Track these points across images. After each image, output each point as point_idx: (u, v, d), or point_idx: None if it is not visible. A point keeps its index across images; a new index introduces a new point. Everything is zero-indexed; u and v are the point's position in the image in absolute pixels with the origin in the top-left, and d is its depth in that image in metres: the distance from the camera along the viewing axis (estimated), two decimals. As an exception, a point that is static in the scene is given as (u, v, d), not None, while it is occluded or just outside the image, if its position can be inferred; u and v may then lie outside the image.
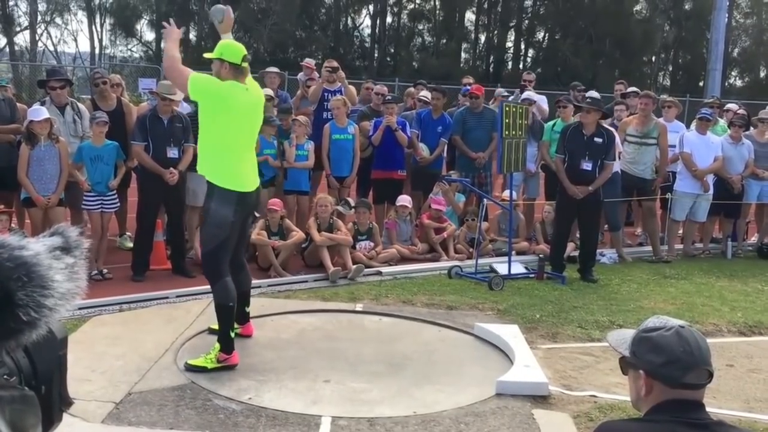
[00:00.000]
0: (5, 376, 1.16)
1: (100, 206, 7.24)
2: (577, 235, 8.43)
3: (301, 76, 11.23)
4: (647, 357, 1.93)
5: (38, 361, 1.24)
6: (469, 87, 10.05)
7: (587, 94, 9.40)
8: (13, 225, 7.32)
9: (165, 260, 7.60)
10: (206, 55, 5.15)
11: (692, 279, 8.16)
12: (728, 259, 9.49)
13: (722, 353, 5.61)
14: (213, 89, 4.87)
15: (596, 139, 7.80)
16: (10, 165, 7.18)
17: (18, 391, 1.16)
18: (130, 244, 7.91)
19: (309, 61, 11.49)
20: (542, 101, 10.35)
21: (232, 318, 5.03)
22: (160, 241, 7.63)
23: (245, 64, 4.98)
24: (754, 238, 10.36)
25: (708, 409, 1.95)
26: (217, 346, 4.91)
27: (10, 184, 7.31)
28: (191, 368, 4.83)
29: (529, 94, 9.81)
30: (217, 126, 4.88)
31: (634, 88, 11.04)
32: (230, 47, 4.99)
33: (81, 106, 7.92)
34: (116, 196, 7.44)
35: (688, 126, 10.09)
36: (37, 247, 1.15)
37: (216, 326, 5.09)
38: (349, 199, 8.59)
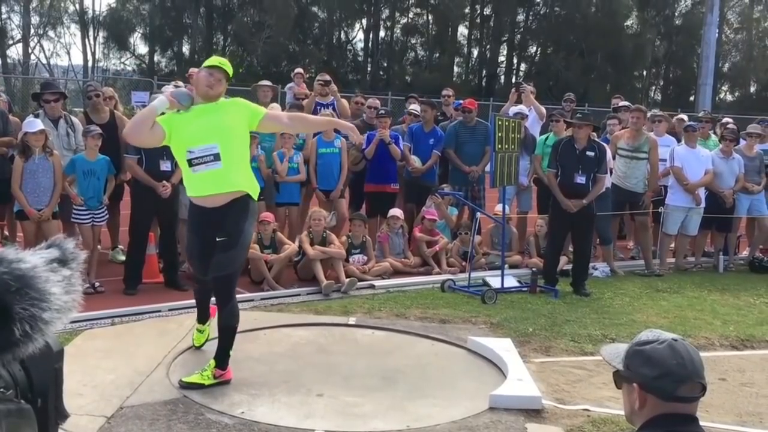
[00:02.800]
0: (2, 390, 1.15)
1: (90, 220, 7.22)
2: (570, 249, 8.45)
3: (291, 86, 11.30)
4: (641, 370, 1.93)
5: (34, 374, 1.23)
6: (461, 101, 10.08)
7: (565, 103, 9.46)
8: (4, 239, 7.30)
9: (157, 273, 7.58)
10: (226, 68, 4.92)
11: (684, 293, 8.18)
12: (720, 272, 9.53)
13: (714, 367, 5.62)
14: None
15: (588, 152, 7.85)
16: (3, 178, 7.16)
17: (14, 404, 1.16)
18: (123, 258, 7.89)
19: (299, 71, 11.56)
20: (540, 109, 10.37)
21: (234, 337, 4.99)
22: (152, 254, 7.61)
23: None
24: (745, 252, 10.40)
25: (701, 422, 1.95)
26: (213, 362, 4.88)
27: (2, 197, 7.29)
28: (187, 386, 4.78)
29: (522, 107, 9.84)
30: (247, 141, 4.99)
31: (625, 102, 11.11)
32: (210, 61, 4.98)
33: (74, 119, 7.91)
34: (105, 209, 7.42)
35: (680, 140, 10.15)
36: (34, 259, 1.15)
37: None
38: (333, 213, 8.58)
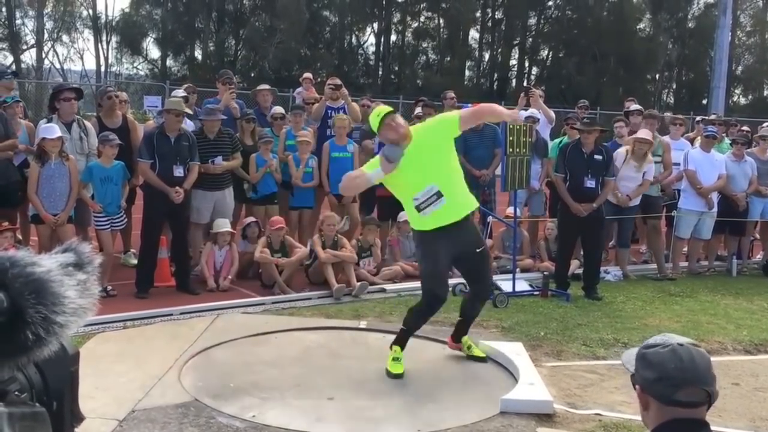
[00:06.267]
0: (17, 393, 1.16)
1: (109, 225, 7.27)
2: (581, 253, 8.42)
3: (300, 91, 11.32)
4: (642, 373, 1.96)
5: (50, 377, 1.24)
6: (468, 105, 10.05)
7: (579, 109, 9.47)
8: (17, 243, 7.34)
9: (169, 277, 7.61)
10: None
11: (697, 297, 8.14)
12: (733, 276, 9.47)
13: (728, 371, 5.59)
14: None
15: (596, 156, 7.85)
16: (9, 182, 7.21)
17: (29, 407, 1.16)
18: (135, 261, 7.92)
19: (308, 76, 11.58)
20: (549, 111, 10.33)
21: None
22: (164, 258, 7.64)
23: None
24: (759, 256, 10.33)
25: (714, 427, 1.95)
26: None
27: (11, 201, 7.33)
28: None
29: (533, 111, 9.81)
30: (454, 154, 5.21)
31: (637, 106, 11.05)
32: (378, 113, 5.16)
33: (87, 123, 7.96)
34: (124, 213, 7.48)
35: (693, 143, 10.11)
36: (49, 263, 1.15)
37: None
38: (346, 217, 8.61)
